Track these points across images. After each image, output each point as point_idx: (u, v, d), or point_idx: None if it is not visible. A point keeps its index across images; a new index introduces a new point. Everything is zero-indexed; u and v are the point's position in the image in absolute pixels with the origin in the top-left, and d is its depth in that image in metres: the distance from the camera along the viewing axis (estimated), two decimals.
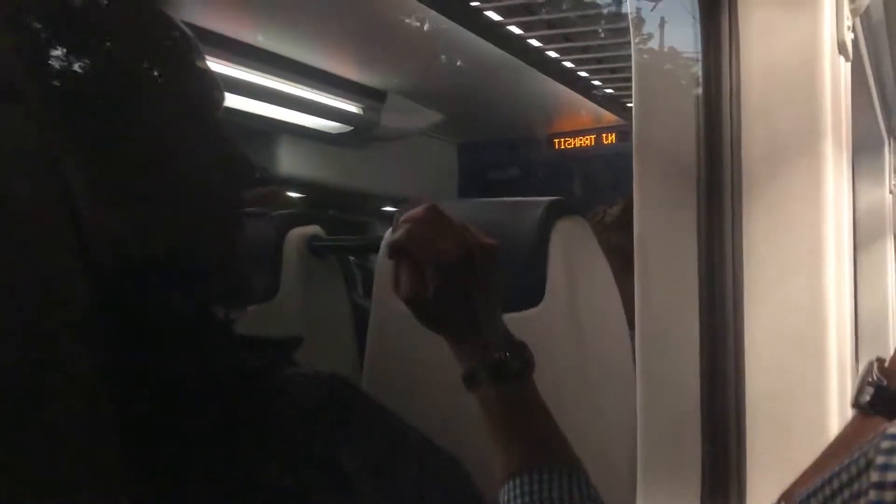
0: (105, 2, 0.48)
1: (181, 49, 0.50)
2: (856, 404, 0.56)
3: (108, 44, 0.45)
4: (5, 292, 0.37)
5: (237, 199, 0.51)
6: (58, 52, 0.44)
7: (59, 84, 0.43)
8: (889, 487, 0.29)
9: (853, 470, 0.31)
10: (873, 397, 0.55)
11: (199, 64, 0.50)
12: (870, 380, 0.56)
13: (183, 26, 0.50)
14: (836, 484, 0.32)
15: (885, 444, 0.30)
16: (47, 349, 0.37)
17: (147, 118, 0.46)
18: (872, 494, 0.29)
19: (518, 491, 0.54)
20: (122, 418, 0.38)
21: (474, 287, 0.60)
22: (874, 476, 0.29)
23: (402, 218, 0.60)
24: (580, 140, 3.89)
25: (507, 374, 0.59)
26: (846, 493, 0.31)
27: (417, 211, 0.59)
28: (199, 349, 0.43)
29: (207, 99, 0.51)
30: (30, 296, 0.38)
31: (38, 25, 0.45)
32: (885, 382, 0.55)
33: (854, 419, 0.56)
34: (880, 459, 0.29)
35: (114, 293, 0.40)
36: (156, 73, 0.48)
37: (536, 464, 0.55)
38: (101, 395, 0.38)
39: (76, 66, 0.44)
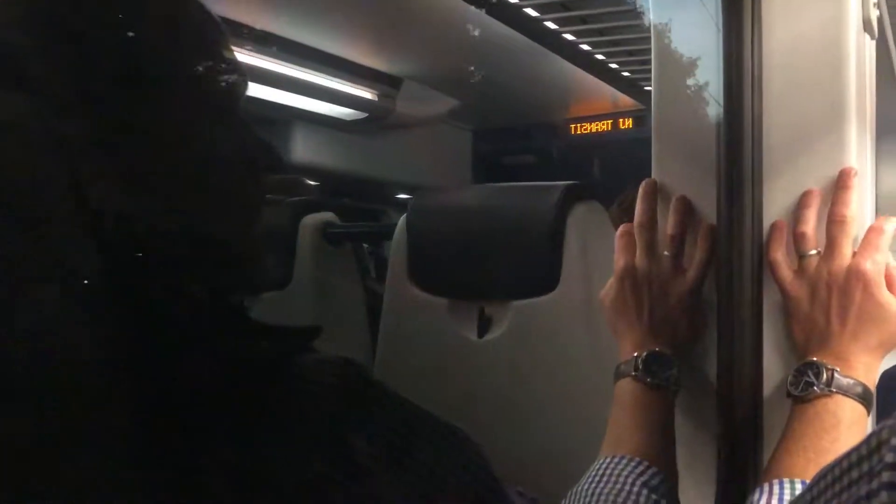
0: None
1: (207, 35, 0.50)
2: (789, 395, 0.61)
3: (131, 29, 0.45)
4: (22, 280, 0.37)
5: (256, 187, 0.51)
6: (76, 36, 0.43)
7: (77, 70, 0.42)
8: None
9: (863, 450, 0.30)
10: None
11: (224, 51, 0.50)
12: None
13: (211, 11, 0.50)
14: (845, 464, 0.31)
15: None
16: (64, 338, 0.37)
17: (169, 105, 0.46)
18: (885, 476, 0.28)
19: (605, 470, 0.62)
20: (139, 406, 0.38)
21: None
22: (888, 457, 0.28)
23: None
24: (597, 125, 3.85)
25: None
26: (854, 474, 0.30)
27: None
28: (217, 337, 0.43)
29: (231, 85, 0.50)
30: (46, 282, 0.37)
31: (57, 11, 0.44)
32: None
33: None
34: (895, 440, 0.28)
35: (131, 281, 0.40)
36: (180, 59, 0.47)
37: (637, 456, 0.63)
38: (118, 382, 0.38)
39: (95, 51, 0.43)
